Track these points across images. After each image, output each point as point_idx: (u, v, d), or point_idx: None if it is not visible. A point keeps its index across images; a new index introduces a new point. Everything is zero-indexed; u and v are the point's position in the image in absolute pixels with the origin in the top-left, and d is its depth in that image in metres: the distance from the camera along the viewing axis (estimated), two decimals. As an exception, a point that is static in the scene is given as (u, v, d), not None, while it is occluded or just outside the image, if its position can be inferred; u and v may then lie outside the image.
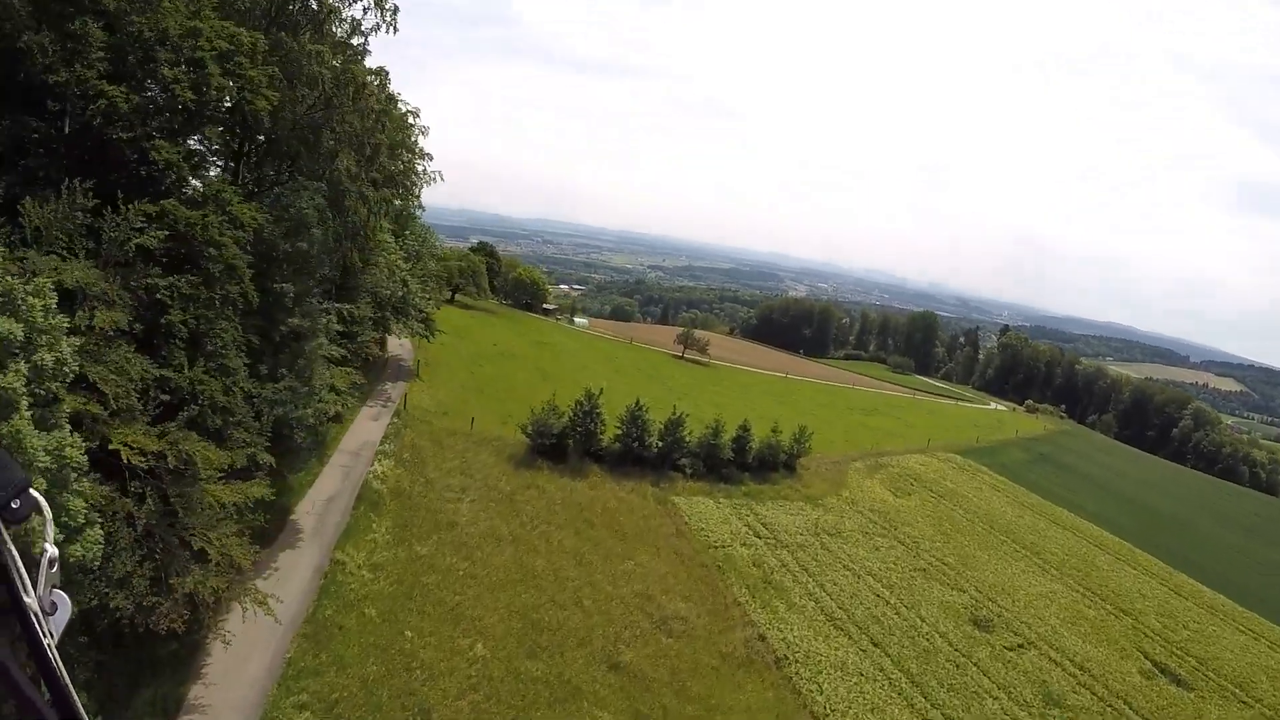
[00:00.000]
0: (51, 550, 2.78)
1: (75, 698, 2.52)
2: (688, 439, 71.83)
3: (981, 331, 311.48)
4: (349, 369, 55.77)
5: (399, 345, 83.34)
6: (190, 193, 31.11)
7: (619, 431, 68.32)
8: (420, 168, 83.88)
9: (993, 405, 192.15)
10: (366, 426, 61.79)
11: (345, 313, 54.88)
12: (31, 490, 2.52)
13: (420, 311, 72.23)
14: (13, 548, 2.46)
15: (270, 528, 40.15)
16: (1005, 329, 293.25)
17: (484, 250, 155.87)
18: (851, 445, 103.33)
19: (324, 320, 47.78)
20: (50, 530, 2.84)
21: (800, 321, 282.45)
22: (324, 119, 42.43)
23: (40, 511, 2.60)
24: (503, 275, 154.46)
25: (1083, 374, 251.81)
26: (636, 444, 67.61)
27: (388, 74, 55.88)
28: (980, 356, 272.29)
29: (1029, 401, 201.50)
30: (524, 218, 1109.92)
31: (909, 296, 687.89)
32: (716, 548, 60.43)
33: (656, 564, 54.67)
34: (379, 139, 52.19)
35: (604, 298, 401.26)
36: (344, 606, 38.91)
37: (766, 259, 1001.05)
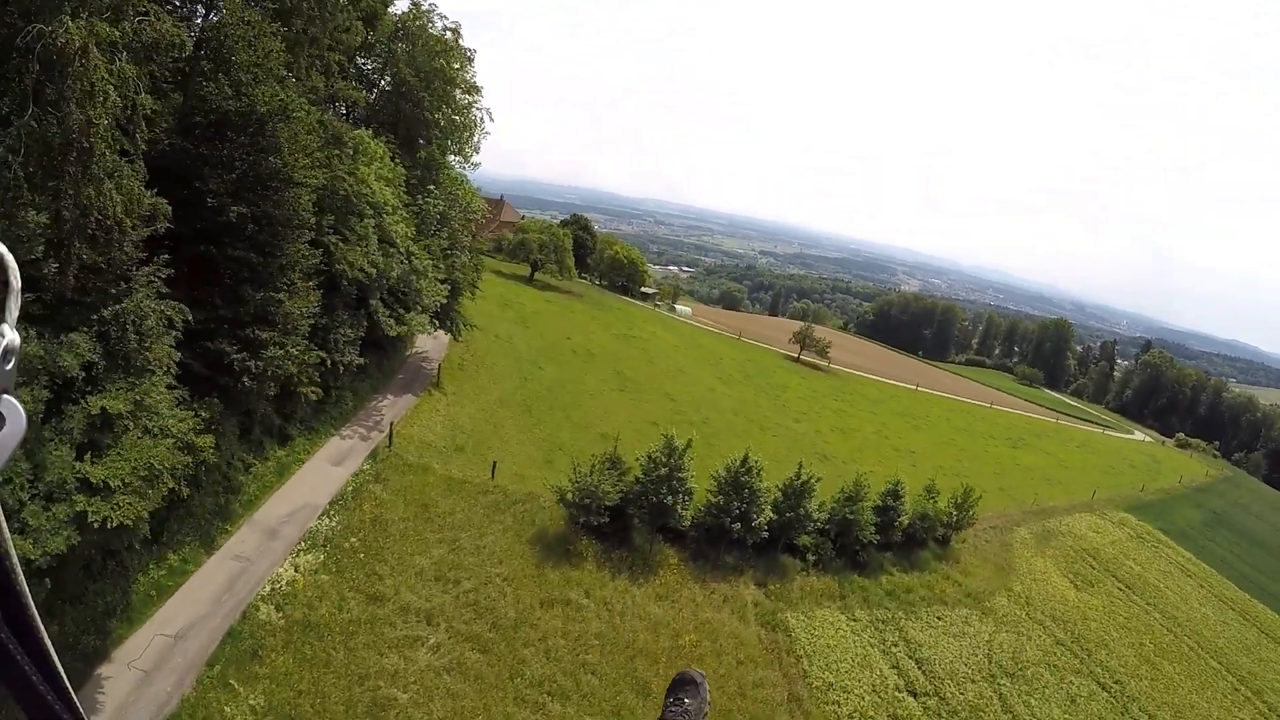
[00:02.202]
0: (11, 336, 1.35)
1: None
2: (814, 512, 46.20)
3: (1117, 345, 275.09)
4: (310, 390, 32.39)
5: (430, 337, 59.94)
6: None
7: (712, 498, 43.13)
8: (467, 104, 61.09)
9: (1138, 435, 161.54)
10: (318, 475, 38.47)
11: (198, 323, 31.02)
12: None
13: (431, 301, 47.79)
14: None
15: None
16: (1148, 345, 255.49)
17: (576, 223, 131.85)
18: (1008, 498, 76.85)
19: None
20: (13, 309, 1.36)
21: (920, 321, 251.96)
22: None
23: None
24: (597, 253, 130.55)
25: (1229, 404, 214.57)
26: (738, 523, 42.11)
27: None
28: (1116, 374, 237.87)
29: (1179, 435, 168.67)
30: (639, 197, 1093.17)
31: (1023, 298, 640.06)
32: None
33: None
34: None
35: (713, 281, 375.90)
36: None
37: (880, 250, 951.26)
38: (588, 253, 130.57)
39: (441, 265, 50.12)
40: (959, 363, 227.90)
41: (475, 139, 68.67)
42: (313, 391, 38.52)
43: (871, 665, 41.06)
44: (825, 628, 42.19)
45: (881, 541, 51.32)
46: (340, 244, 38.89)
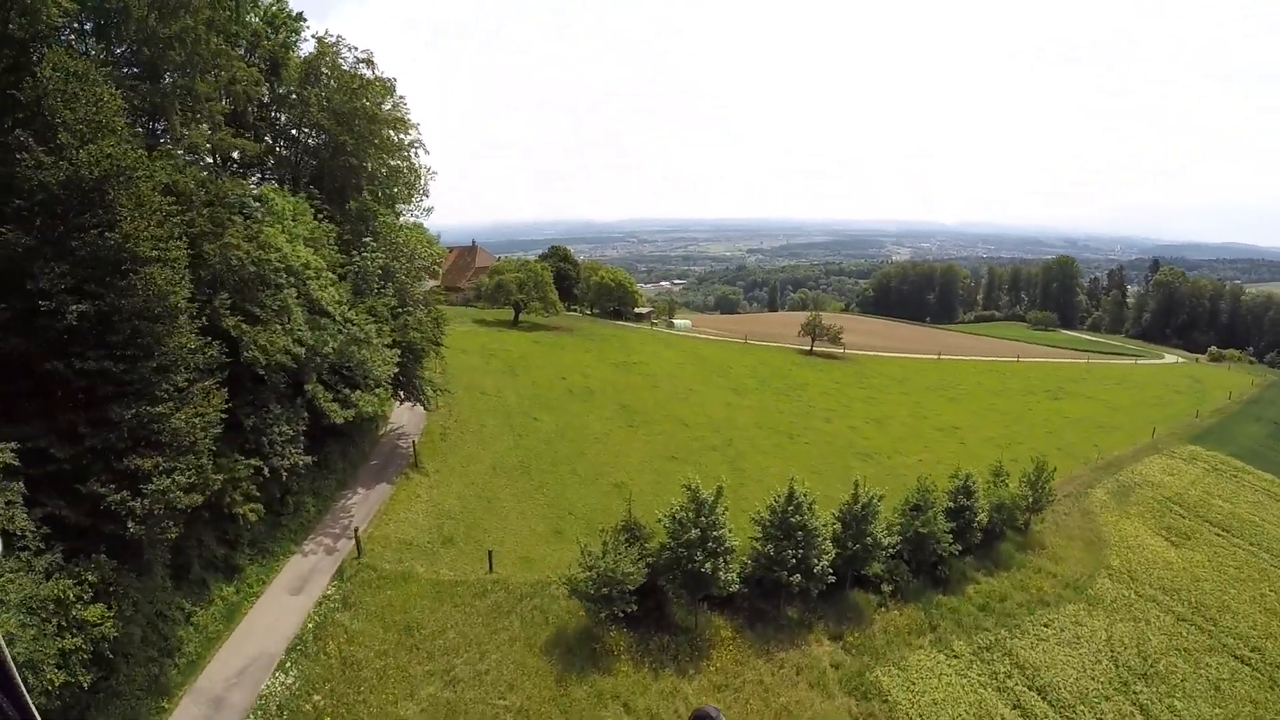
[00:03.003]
0: None
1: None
2: (882, 537, 37.77)
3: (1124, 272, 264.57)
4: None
5: (407, 409, 52.01)
6: None
7: (758, 545, 34.83)
8: (400, 144, 54.17)
9: (1169, 357, 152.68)
10: (275, 611, 30.64)
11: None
12: None
13: (382, 372, 39.38)
14: None
15: None
16: (1156, 264, 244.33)
17: (556, 255, 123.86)
18: (1069, 457, 68.77)
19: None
20: None
21: (922, 287, 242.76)
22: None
23: None
24: (583, 282, 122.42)
25: (1250, 307, 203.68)
26: (796, 574, 33.73)
27: None
28: (1129, 300, 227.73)
29: (1211, 349, 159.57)
30: (619, 220, 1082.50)
31: (1014, 244, 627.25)
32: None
33: None
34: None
35: (706, 289, 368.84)
36: None
37: (864, 226, 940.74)
38: (573, 283, 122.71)
39: (388, 328, 42.14)
40: (969, 321, 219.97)
41: (422, 182, 61.30)
42: (251, 510, 30.75)
43: (990, 712, 32.87)
44: (925, 677, 34.03)
45: (959, 548, 43.09)
46: (245, 326, 30.96)
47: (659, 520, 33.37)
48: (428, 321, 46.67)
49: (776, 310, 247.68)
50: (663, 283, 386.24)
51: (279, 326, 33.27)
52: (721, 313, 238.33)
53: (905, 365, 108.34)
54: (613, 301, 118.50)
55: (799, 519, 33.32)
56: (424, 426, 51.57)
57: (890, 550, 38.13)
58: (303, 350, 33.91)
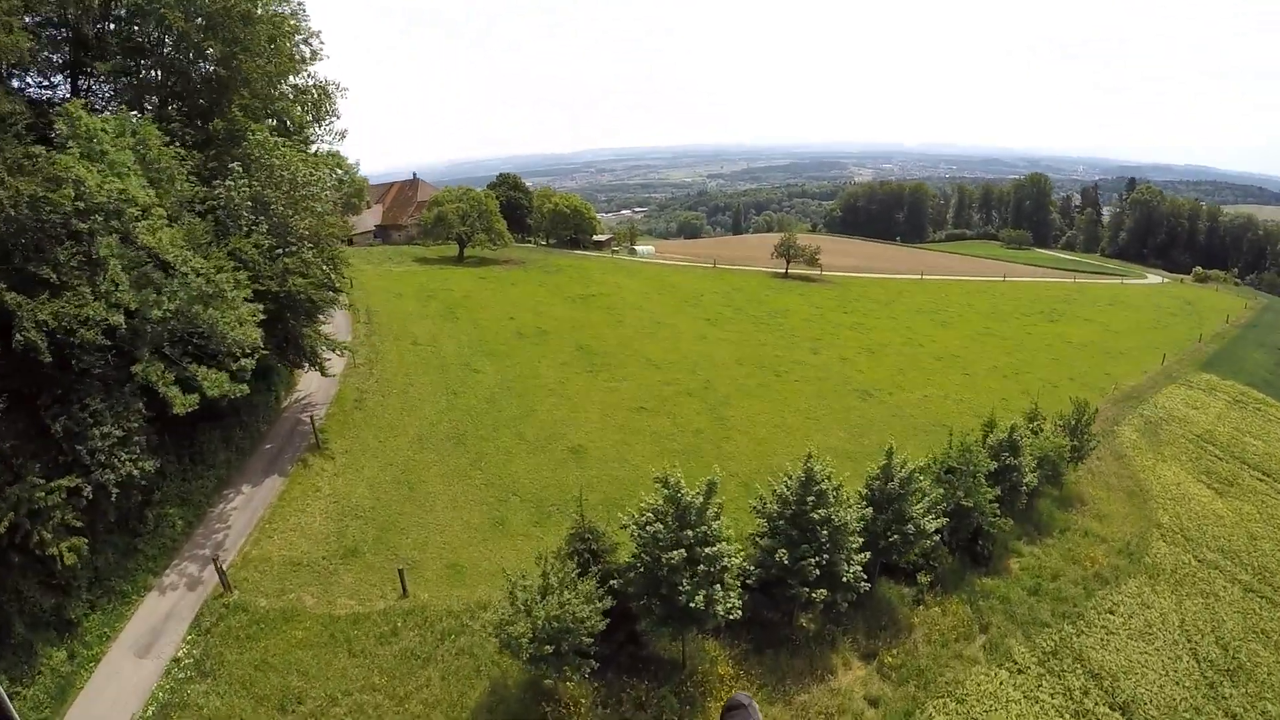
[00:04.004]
0: None
1: None
2: (924, 520, 28.45)
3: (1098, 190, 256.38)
4: None
5: (318, 372, 42.21)
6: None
7: (761, 541, 25.57)
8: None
9: (1151, 277, 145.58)
10: (118, 682, 21.76)
11: None
12: None
13: (242, 336, 28.50)
14: None
15: None
16: (1131, 181, 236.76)
17: (505, 183, 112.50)
18: (1084, 387, 61.20)
19: None
20: None
21: (891, 206, 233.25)
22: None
23: None
24: (536, 211, 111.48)
25: (1228, 227, 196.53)
26: (822, 587, 24.46)
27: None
28: (1104, 219, 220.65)
29: (1197, 269, 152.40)
30: (574, 151, 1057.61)
31: (977, 164, 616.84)
32: None
33: None
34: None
35: (668, 216, 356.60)
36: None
37: (824, 148, 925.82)
38: (525, 213, 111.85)
39: (266, 273, 32.04)
40: (940, 240, 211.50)
41: (333, 102, 51.07)
42: (69, 549, 21.56)
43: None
44: (989, 707, 25.49)
45: (1007, 520, 34.57)
46: (18, 297, 21.02)
47: (624, 526, 23.95)
48: (318, 264, 36.17)
49: (742, 234, 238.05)
50: (623, 211, 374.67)
51: (86, 290, 23.28)
52: (686, 238, 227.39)
53: (888, 287, 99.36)
54: (569, 230, 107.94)
55: (822, 512, 24.07)
56: (335, 393, 41.69)
57: (934, 537, 29.13)
58: (123, 319, 23.91)
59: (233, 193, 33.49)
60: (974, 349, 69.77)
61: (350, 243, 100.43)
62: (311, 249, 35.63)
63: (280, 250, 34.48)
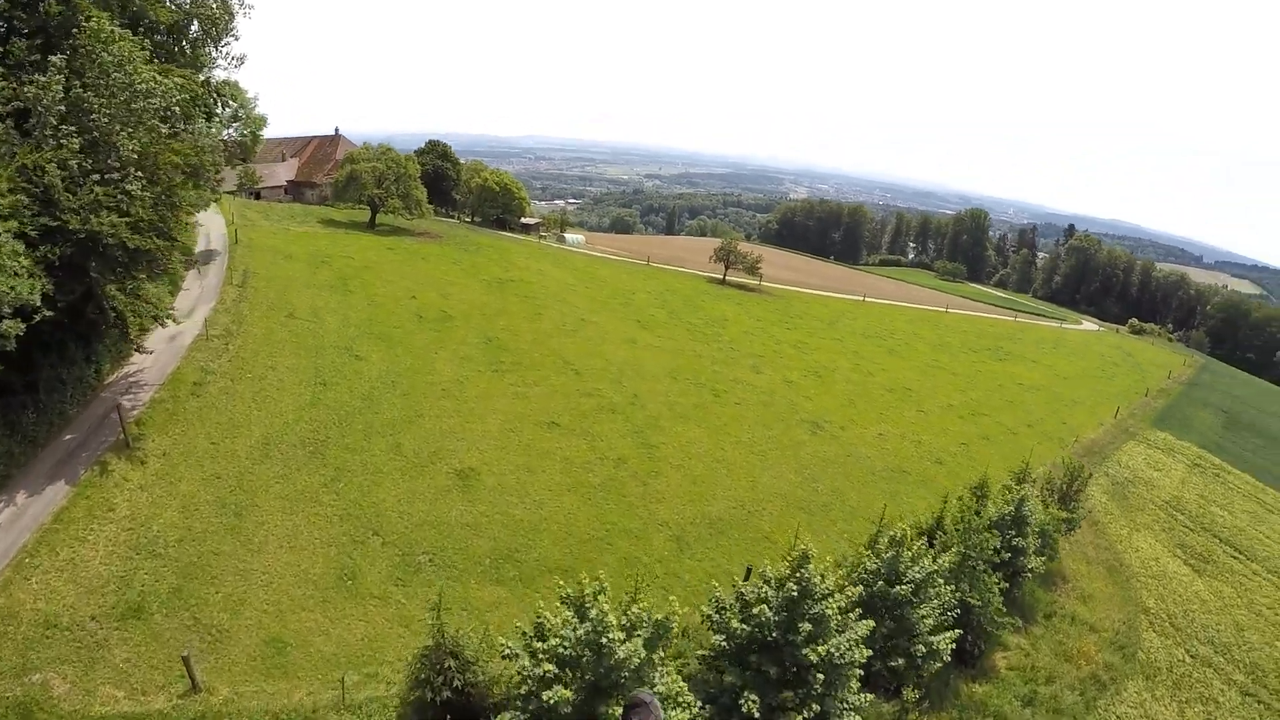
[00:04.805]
0: None
1: None
2: (923, 621, 20.72)
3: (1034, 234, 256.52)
4: None
5: (166, 337, 32.90)
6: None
7: (727, 675, 17.42)
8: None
9: (1086, 324, 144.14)
10: None
11: None
12: None
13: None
14: None
15: None
16: (1071, 228, 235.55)
17: (434, 151, 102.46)
18: (1043, 436, 57.62)
19: None
20: None
21: (828, 225, 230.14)
22: None
23: None
24: (463, 184, 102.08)
25: (1160, 283, 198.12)
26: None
27: None
28: (1038, 262, 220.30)
29: (1133, 321, 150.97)
30: (519, 135, 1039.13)
31: (910, 195, 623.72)
32: None
33: None
34: None
35: (601, 210, 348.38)
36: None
37: (764, 162, 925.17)
38: (452, 185, 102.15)
39: (68, 206, 23.07)
40: (874, 264, 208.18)
41: (231, 21, 43.15)
42: None
43: None
44: None
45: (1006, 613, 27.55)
46: None
47: (506, 655, 15.53)
48: (145, 201, 26.75)
49: (674, 234, 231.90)
50: (557, 201, 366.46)
51: None
52: (616, 233, 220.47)
53: (830, 305, 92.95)
54: (496, 209, 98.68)
55: (821, 649, 16.04)
56: (171, 371, 32.46)
57: (933, 642, 21.52)
58: None
59: (44, 90, 24.23)
60: (926, 383, 63.41)
61: (258, 196, 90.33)
62: (142, 181, 26.43)
63: (97, 177, 25.27)
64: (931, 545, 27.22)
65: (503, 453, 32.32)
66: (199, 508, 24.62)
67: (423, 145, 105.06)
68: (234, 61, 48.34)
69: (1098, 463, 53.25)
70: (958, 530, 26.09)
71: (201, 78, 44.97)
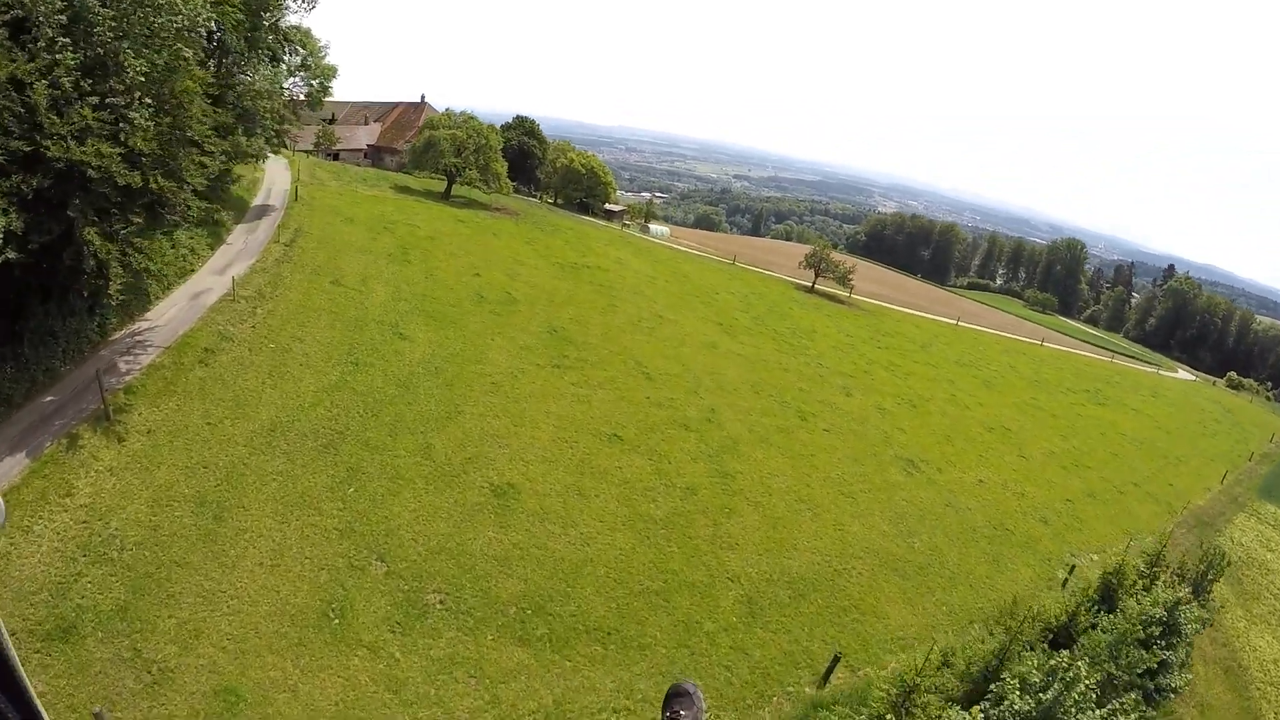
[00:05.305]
0: None
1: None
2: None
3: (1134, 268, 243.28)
4: None
5: (188, 296, 28.84)
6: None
7: None
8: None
9: (1182, 373, 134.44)
10: None
11: None
12: None
13: None
14: None
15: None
16: (1170, 269, 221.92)
17: (521, 127, 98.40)
18: (1151, 498, 50.69)
19: None
20: None
21: (917, 241, 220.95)
22: None
23: None
24: (548, 164, 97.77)
25: (1260, 337, 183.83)
26: None
27: None
28: (1133, 300, 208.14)
29: (1231, 375, 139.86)
30: (611, 125, 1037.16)
31: (1001, 219, 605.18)
32: None
33: None
34: None
35: (688, 206, 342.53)
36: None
37: (856, 172, 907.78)
38: (536, 163, 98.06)
39: (52, 130, 18.77)
40: (962, 286, 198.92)
41: None
42: None
43: None
44: None
45: None
46: None
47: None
48: (145, 129, 22.03)
49: (759, 235, 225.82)
50: (644, 193, 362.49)
51: None
52: (702, 229, 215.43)
53: (923, 327, 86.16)
54: (580, 191, 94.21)
55: None
56: (184, 332, 28.13)
57: None
58: None
59: (39, -6, 19.89)
60: (1025, 423, 56.78)
61: (336, 157, 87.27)
62: (150, 109, 21.93)
63: (96, 100, 20.90)
64: (1056, 649, 21.68)
65: (551, 467, 27.29)
66: (173, 503, 20.16)
67: (510, 120, 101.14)
68: (305, 4, 44.52)
69: (1208, 535, 46.69)
70: (1093, 636, 20.40)
71: (268, 21, 41.15)
